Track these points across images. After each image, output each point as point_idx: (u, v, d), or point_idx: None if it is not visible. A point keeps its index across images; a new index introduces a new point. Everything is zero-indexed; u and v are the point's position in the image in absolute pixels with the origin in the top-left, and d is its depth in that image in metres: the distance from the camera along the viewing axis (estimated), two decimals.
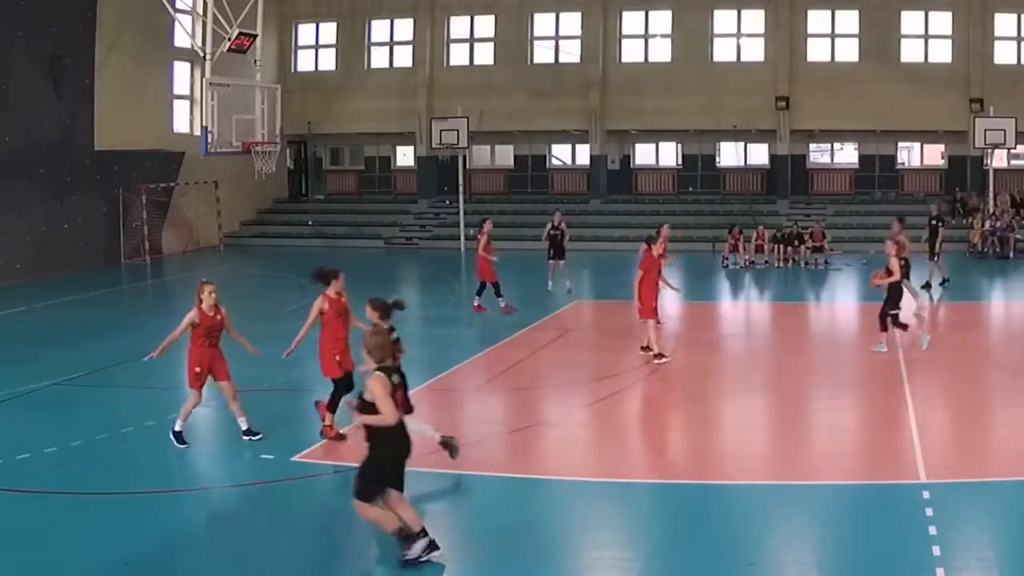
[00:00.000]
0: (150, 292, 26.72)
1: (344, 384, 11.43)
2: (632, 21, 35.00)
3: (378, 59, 37.18)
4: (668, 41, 34.49)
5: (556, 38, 35.91)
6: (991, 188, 29.94)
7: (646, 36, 34.89)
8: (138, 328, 19.98)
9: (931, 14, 32.51)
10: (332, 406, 11.39)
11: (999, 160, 31.43)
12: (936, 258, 22.87)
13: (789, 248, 28.22)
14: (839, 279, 25.67)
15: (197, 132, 28.31)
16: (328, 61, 37.48)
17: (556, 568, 8.37)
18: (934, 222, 23.20)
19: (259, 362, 14.42)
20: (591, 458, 11.37)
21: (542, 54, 35.91)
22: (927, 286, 22.46)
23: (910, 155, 35.46)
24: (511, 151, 37.64)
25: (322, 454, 11.13)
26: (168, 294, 26.69)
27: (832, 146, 35.93)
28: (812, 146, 35.63)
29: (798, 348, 17.41)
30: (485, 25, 36.10)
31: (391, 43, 37.00)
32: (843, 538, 8.64)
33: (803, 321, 20.88)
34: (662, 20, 34.57)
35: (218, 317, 11.50)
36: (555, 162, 37.79)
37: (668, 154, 36.66)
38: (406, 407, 8.80)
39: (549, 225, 23.50)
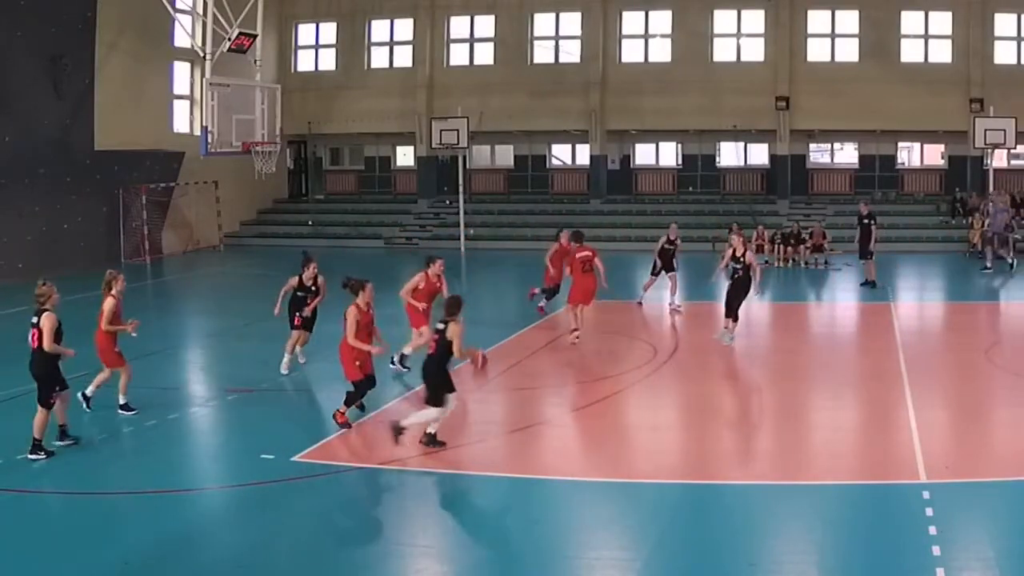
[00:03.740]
0: (150, 292, 26.69)
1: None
2: (632, 21, 35.00)
3: (378, 59, 37.17)
4: (668, 41, 34.48)
5: (556, 38, 35.91)
6: (991, 188, 29.92)
7: (646, 36, 34.89)
8: (138, 328, 19.94)
9: (931, 14, 32.50)
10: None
11: (999, 160, 31.42)
12: (870, 257, 23.00)
13: (789, 248, 28.23)
14: (839, 279, 25.66)
15: (197, 132, 28.32)
16: (328, 61, 37.48)
17: (556, 568, 8.38)
18: (866, 221, 23.30)
19: (259, 362, 14.45)
20: (591, 458, 11.37)
21: (542, 54, 35.91)
22: (872, 284, 22.84)
23: (910, 155, 35.47)
24: (511, 151, 37.64)
25: (322, 454, 11.13)
26: (168, 294, 26.70)
27: (832, 146, 35.93)
28: (812, 146, 35.62)
29: (798, 348, 17.41)
30: (485, 25, 36.09)
31: (391, 43, 37.00)
32: (843, 538, 8.64)
33: (803, 321, 20.87)
34: (662, 20, 34.56)
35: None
36: (555, 162, 37.78)
37: (668, 154, 36.65)
38: None
39: (664, 238, 20.68)
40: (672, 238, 20.52)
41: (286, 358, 14.85)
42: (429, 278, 14.61)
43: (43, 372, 11.32)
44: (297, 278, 15.14)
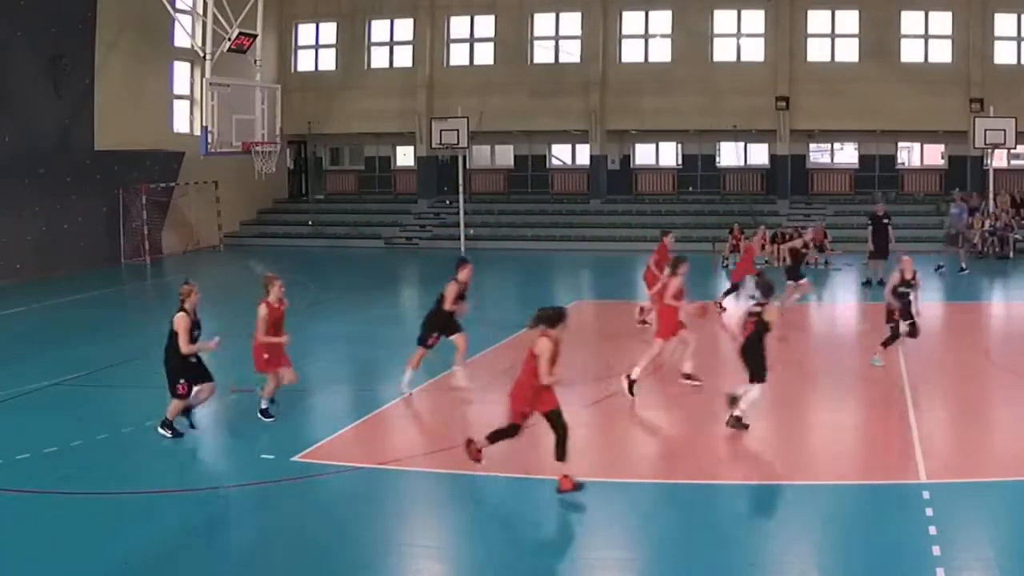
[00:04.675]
0: (150, 292, 26.71)
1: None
2: (632, 21, 35.00)
3: (378, 59, 37.18)
4: (668, 41, 34.48)
5: (556, 38, 35.90)
6: (991, 188, 29.94)
7: (646, 36, 34.89)
8: (138, 328, 19.99)
9: (931, 14, 32.50)
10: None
11: (999, 160, 31.42)
12: (886, 257, 23.17)
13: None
14: (840, 279, 25.65)
15: (197, 132, 28.33)
16: (328, 61, 37.48)
17: (556, 568, 8.38)
18: (885, 221, 23.50)
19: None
20: (591, 458, 11.36)
21: (542, 54, 35.91)
22: (880, 283, 22.92)
23: (910, 155, 35.46)
24: (511, 151, 37.64)
25: (322, 454, 11.13)
26: (168, 294, 26.64)
27: (832, 146, 35.92)
28: (812, 146, 35.62)
29: (798, 348, 17.38)
30: (485, 25, 36.09)
31: (391, 43, 37.00)
32: (843, 538, 8.64)
33: (803, 321, 20.84)
34: (662, 20, 34.56)
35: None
36: (555, 162, 37.79)
37: (668, 154, 36.65)
38: None
39: (800, 241, 20.52)
40: (808, 240, 20.68)
41: (409, 373, 13.55)
42: (678, 277, 13.79)
43: (170, 364, 11.51)
44: (455, 284, 13.58)
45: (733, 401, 11.60)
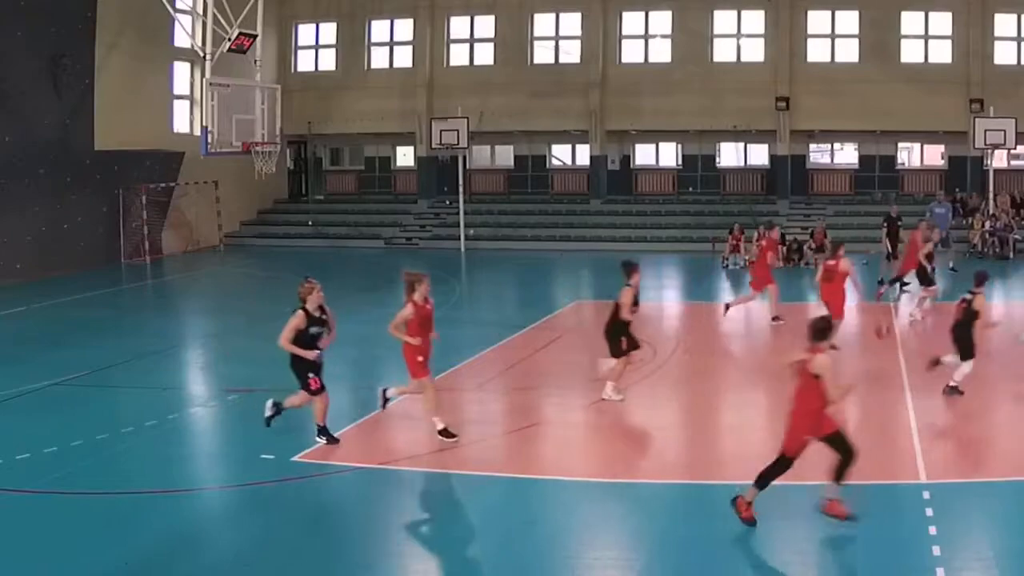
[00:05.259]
0: (150, 292, 26.71)
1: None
2: (632, 21, 34.99)
3: (378, 59, 37.17)
4: (668, 41, 34.45)
5: (556, 38, 35.89)
6: (991, 188, 29.93)
7: (646, 36, 34.87)
8: (138, 328, 20.00)
9: (931, 14, 32.49)
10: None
11: (999, 160, 31.41)
12: (896, 258, 23.36)
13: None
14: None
15: (197, 132, 28.30)
16: (328, 61, 37.47)
17: (556, 568, 8.38)
18: (899, 222, 23.86)
19: (259, 362, 14.42)
20: (591, 458, 11.37)
21: (542, 54, 35.90)
22: (881, 282, 22.99)
23: (910, 155, 35.42)
24: (511, 151, 37.61)
25: (322, 454, 11.13)
26: (168, 294, 26.72)
27: (832, 146, 35.90)
28: (812, 146, 35.59)
29: (798, 348, 17.37)
30: (485, 25, 36.08)
31: (391, 43, 36.99)
32: (843, 538, 8.64)
33: (803, 321, 20.82)
34: (662, 20, 34.55)
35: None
36: (555, 162, 37.78)
37: (668, 154, 36.63)
38: None
39: (931, 244, 20.24)
40: (934, 243, 20.79)
41: (610, 387, 13.15)
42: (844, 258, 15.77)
43: (290, 362, 11.38)
44: (630, 290, 12.93)
45: (936, 363, 13.15)
